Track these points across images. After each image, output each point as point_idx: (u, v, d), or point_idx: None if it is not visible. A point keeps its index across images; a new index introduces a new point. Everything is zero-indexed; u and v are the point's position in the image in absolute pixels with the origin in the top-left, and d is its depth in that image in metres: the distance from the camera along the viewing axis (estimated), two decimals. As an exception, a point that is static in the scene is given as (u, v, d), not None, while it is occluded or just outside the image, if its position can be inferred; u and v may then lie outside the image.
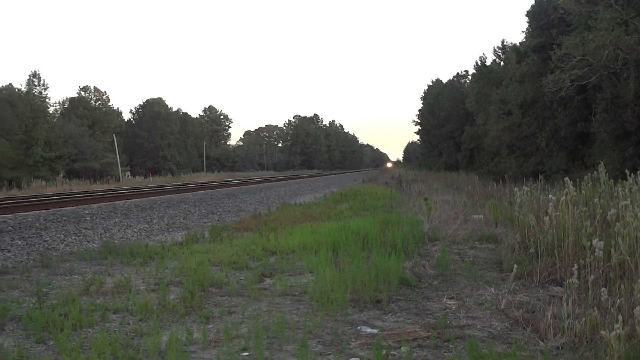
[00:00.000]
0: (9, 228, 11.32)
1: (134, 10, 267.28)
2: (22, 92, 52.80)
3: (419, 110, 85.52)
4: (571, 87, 22.67)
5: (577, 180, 10.51)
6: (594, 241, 5.47)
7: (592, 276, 5.33)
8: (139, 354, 4.56)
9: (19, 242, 10.50)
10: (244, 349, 4.72)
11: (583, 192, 9.22)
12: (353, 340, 4.94)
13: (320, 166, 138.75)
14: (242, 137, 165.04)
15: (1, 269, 8.65)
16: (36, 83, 51.25)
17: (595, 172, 10.89)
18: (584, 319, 4.72)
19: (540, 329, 5.01)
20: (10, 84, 71.99)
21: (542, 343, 4.75)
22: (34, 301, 6.34)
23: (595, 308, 4.74)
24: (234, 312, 5.94)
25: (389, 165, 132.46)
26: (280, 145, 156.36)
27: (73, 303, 6.04)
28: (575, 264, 5.37)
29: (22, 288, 7.26)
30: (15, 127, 47.94)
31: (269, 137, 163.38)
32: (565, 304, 4.87)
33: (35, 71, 52.76)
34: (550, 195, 7.62)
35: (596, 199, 7.73)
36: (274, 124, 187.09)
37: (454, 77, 75.17)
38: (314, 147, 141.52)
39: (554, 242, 7.22)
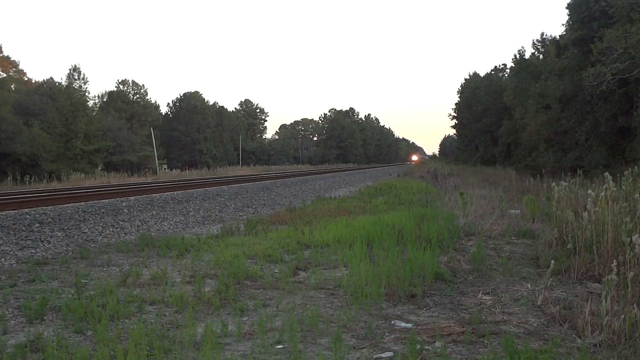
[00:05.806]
0: (49, 220, 11.52)
1: (172, 4, 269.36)
2: (62, 85, 53.52)
3: (456, 104, 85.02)
4: (612, 80, 22.28)
5: (618, 175, 10.29)
6: (634, 237, 5.37)
7: (632, 273, 5.23)
8: (175, 345, 4.61)
9: (59, 234, 10.69)
10: (278, 342, 4.74)
11: (623, 187, 9.02)
12: (387, 334, 4.93)
13: (356, 160, 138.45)
14: (278, 130, 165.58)
15: (41, 260, 8.84)
16: (76, 77, 51.70)
17: (636, 167, 10.64)
18: (623, 316, 4.64)
19: (578, 325, 4.94)
20: (51, 77, 73.50)
21: (580, 340, 4.69)
22: (72, 292, 6.46)
23: (635, 305, 4.66)
24: (269, 305, 5.97)
25: (414, 158, 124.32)
26: (315, 139, 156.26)
27: (111, 294, 6.14)
28: (615, 260, 5.28)
29: (62, 279, 7.41)
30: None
31: (304, 130, 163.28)
32: (604, 300, 4.79)
33: (75, 65, 53.01)
34: (589, 191, 7.47)
35: (637, 195, 7.56)
36: (309, 117, 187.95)
37: (491, 70, 74.53)
38: (349, 141, 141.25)
39: (592, 238, 7.09)
